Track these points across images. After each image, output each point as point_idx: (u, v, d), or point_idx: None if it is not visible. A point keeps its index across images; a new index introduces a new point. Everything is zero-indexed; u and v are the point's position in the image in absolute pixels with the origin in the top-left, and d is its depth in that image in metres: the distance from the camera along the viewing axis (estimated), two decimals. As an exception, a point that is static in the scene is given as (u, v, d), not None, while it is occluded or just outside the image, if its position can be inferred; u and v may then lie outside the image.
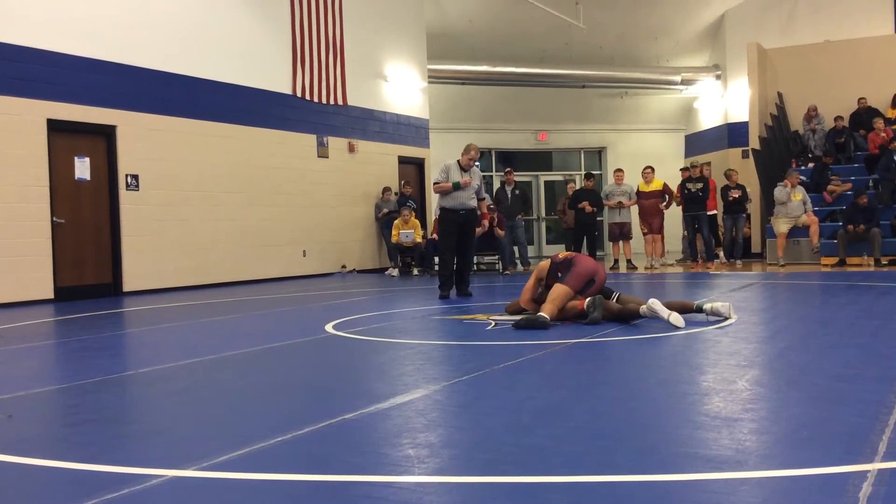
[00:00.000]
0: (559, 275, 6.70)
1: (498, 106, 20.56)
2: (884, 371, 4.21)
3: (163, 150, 11.83)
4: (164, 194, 11.84)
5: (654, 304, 6.19)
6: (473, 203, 9.40)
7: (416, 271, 14.64)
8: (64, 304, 10.05)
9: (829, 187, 14.90)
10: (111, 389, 4.45)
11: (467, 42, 18.95)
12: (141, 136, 11.53)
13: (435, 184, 9.58)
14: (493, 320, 6.78)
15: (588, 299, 6.42)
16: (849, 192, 14.44)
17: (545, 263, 7.01)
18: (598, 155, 22.62)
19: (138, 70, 11.50)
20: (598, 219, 15.12)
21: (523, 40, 19.19)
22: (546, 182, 22.19)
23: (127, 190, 11.38)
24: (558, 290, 6.50)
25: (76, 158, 10.90)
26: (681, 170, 15.29)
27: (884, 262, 12.81)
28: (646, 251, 14.60)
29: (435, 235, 14.80)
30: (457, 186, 9.15)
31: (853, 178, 15.15)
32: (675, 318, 6.06)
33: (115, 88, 11.19)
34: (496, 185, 15.81)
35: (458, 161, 9.32)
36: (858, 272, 11.92)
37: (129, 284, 11.35)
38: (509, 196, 15.04)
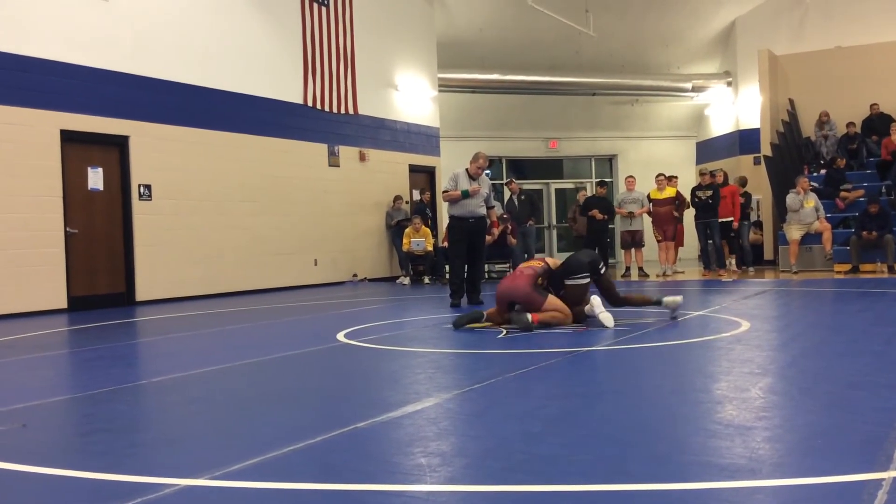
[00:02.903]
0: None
1: (508, 114, 20.59)
2: (898, 378, 4.18)
3: (175, 159, 11.89)
4: (176, 204, 11.90)
5: (594, 301, 6.73)
6: (482, 211, 9.42)
7: (427, 280, 14.64)
8: (77, 314, 10.11)
9: (842, 194, 14.82)
10: (125, 399, 4.46)
11: (477, 51, 18.98)
12: (153, 147, 11.60)
13: (444, 192, 9.60)
14: (505, 328, 6.77)
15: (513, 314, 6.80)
16: (862, 199, 14.35)
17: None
18: (609, 162, 22.59)
19: (151, 81, 11.57)
20: (609, 226, 15.10)
21: (533, 48, 19.20)
22: (557, 190, 22.18)
23: (140, 200, 11.44)
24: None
25: (89, 169, 10.97)
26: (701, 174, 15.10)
27: (897, 268, 12.73)
28: (659, 259, 14.55)
29: (445, 244, 14.83)
30: (465, 194, 9.15)
31: (866, 184, 15.08)
32: (605, 318, 6.57)
33: (127, 99, 11.26)
34: (507, 193, 15.90)
35: (467, 169, 9.32)
36: (872, 279, 11.85)
37: (141, 294, 11.40)
38: (517, 203, 15.07)
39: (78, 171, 10.81)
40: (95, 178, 11.03)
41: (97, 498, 2.64)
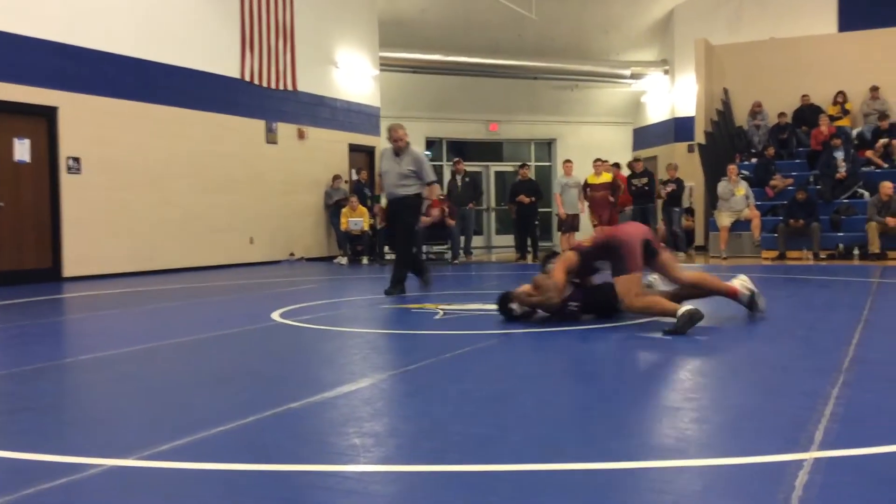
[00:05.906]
0: (614, 264, 5.70)
1: (450, 95, 20.55)
2: (821, 363, 4.31)
3: (107, 132, 11.56)
4: (107, 178, 11.57)
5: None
6: (401, 191, 8.34)
7: (365, 260, 14.58)
8: (1, 289, 9.79)
9: (772, 182, 15.21)
10: (50, 377, 4.34)
11: (420, 31, 18.88)
12: (84, 119, 11.25)
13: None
14: (441, 310, 6.79)
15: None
16: (791, 188, 14.75)
17: (572, 255, 5.91)
18: (548, 146, 22.77)
19: (82, 50, 11.21)
20: (538, 210, 15.27)
21: (476, 30, 19.19)
22: (496, 172, 22.27)
23: (68, 173, 11.10)
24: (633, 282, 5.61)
25: (16, 140, 10.59)
26: (628, 164, 15.53)
27: (822, 256, 13.13)
28: (595, 243, 14.75)
29: (382, 223, 14.78)
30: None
31: (795, 173, 15.49)
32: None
33: (57, 69, 10.89)
34: (447, 175, 15.91)
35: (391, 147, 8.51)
36: (798, 266, 12.21)
37: (69, 269, 11.08)
38: (459, 185, 15.09)
39: (4, 142, 10.44)
40: (22, 150, 10.66)
41: (20, 479, 2.56)
